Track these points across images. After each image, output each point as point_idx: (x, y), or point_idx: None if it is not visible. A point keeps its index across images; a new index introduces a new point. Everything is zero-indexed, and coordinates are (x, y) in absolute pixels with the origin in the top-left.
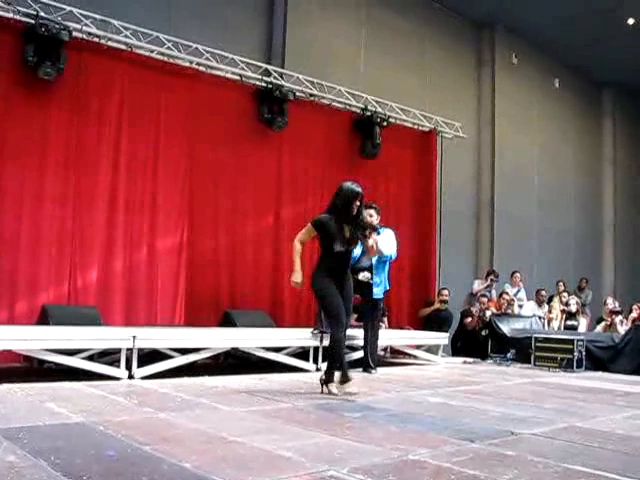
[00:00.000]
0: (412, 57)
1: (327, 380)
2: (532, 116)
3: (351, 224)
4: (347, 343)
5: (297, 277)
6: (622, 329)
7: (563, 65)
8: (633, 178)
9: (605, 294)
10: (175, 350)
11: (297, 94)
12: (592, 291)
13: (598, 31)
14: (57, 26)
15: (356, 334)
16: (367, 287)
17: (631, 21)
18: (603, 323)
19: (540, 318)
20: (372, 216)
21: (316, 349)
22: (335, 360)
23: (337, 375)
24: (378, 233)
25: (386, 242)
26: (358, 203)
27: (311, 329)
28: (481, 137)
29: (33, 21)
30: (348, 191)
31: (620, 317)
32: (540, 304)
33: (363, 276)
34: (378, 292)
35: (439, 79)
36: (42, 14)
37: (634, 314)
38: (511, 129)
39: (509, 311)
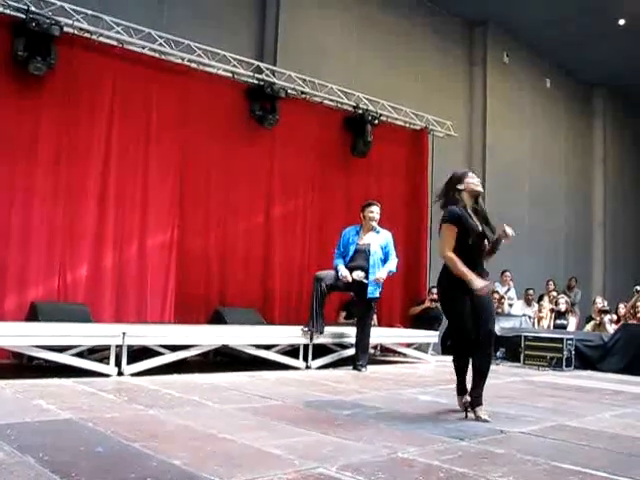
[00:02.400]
0: (404, 55)
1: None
2: (523, 115)
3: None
4: (338, 341)
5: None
6: (611, 328)
7: (554, 65)
8: (623, 177)
9: (594, 293)
10: (165, 347)
11: (289, 92)
12: (581, 290)
13: (589, 31)
14: (48, 21)
15: (347, 332)
16: (361, 286)
17: (622, 21)
18: (592, 322)
19: (529, 317)
20: (377, 213)
21: (306, 347)
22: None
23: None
24: (377, 232)
25: (385, 245)
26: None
27: (301, 327)
28: (472, 136)
29: (24, 16)
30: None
31: (609, 316)
32: (529, 303)
33: (357, 275)
34: (372, 291)
35: (431, 78)
36: (33, 9)
37: (621, 311)
38: (502, 128)
39: (499, 310)
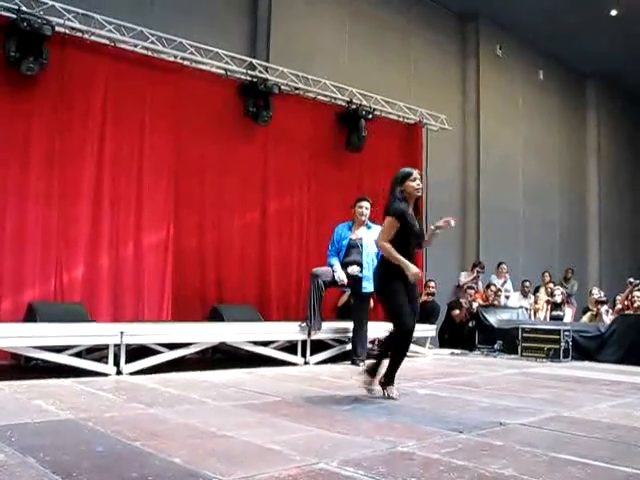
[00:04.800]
0: (396, 49)
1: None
2: (517, 108)
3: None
4: (335, 337)
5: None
6: (608, 319)
7: (547, 57)
8: (617, 169)
9: (591, 284)
10: (163, 345)
11: (282, 88)
12: (578, 281)
13: (582, 22)
14: (39, 21)
15: (345, 327)
16: (357, 281)
17: (614, 12)
18: (589, 313)
19: (526, 309)
20: (367, 208)
21: (304, 343)
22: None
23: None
24: (368, 228)
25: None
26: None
27: (299, 323)
28: (466, 129)
29: (15, 16)
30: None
31: (606, 307)
32: (525, 295)
33: (352, 270)
34: (367, 286)
35: (424, 71)
36: (24, 8)
37: (619, 305)
38: (496, 121)
39: (496, 302)
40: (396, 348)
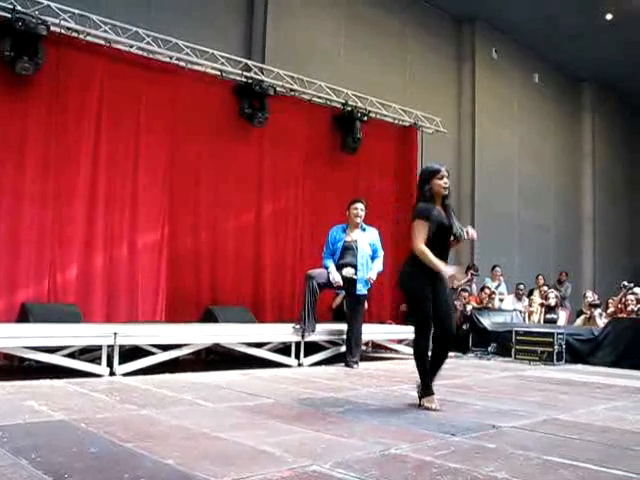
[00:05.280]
0: (392, 52)
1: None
2: (512, 111)
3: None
4: (329, 338)
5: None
6: (601, 322)
7: (542, 60)
8: (611, 172)
9: (585, 287)
10: (157, 346)
11: (277, 89)
12: (572, 284)
13: (577, 26)
14: (34, 20)
15: (339, 329)
16: (351, 283)
17: (609, 17)
18: (583, 316)
19: (520, 312)
20: (362, 210)
21: (298, 344)
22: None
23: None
24: (363, 230)
25: (374, 242)
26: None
27: (293, 324)
28: (461, 132)
29: (9, 15)
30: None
31: (599, 310)
32: (519, 298)
33: (347, 272)
34: (362, 288)
35: (419, 74)
36: (19, 8)
37: (611, 308)
38: (491, 124)
39: (490, 305)
40: (417, 351)
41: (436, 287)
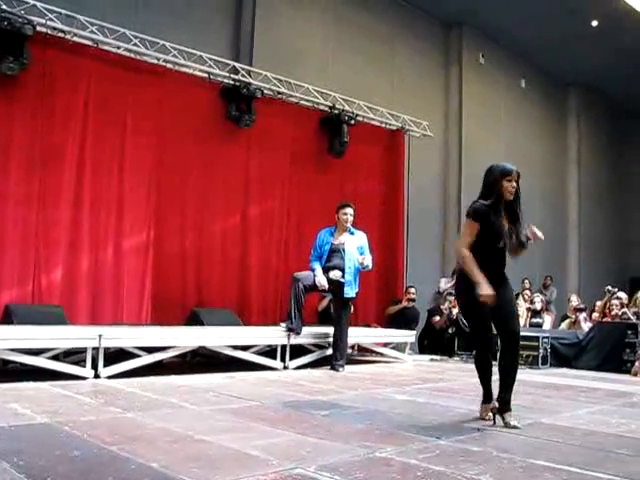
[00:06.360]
0: (380, 56)
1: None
2: (499, 115)
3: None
4: (315, 341)
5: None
6: (586, 326)
7: (529, 65)
8: (597, 176)
9: (570, 292)
10: (142, 349)
11: (265, 92)
12: (557, 289)
13: (564, 32)
14: (20, 20)
15: (325, 332)
16: (337, 286)
17: (595, 22)
18: (567, 320)
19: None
20: (351, 215)
21: (284, 347)
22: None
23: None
24: (351, 233)
25: (362, 246)
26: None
27: (280, 324)
28: (448, 136)
29: None
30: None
31: (584, 314)
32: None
33: (333, 274)
34: (349, 291)
35: (407, 78)
36: (4, 7)
37: (595, 313)
38: (478, 128)
39: None
40: (477, 363)
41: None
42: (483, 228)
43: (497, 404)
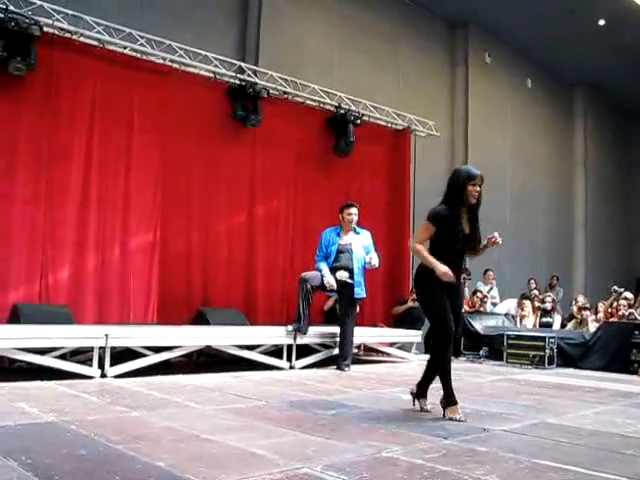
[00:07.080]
0: (386, 56)
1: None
2: (505, 115)
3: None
4: (321, 341)
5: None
6: (592, 326)
7: (536, 65)
8: (603, 176)
9: (576, 292)
10: (148, 348)
11: (271, 92)
12: (563, 289)
13: (570, 31)
14: (27, 21)
15: (331, 332)
16: (345, 286)
17: (602, 22)
18: (574, 320)
19: (512, 316)
20: (356, 214)
21: (290, 347)
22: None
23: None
24: (357, 233)
25: (368, 245)
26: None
27: (285, 326)
28: (454, 136)
29: (2, 15)
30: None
31: (589, 313)
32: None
33: (340, 275)
34: (359, 292)
35: (413, 78)
36: (12, 8)
37: (600, 313)
38: (484, 128)
39: (482, 309)
40: (439, 354)
41: (449, 291)
42: (443, 231)
43: (443, 400)
